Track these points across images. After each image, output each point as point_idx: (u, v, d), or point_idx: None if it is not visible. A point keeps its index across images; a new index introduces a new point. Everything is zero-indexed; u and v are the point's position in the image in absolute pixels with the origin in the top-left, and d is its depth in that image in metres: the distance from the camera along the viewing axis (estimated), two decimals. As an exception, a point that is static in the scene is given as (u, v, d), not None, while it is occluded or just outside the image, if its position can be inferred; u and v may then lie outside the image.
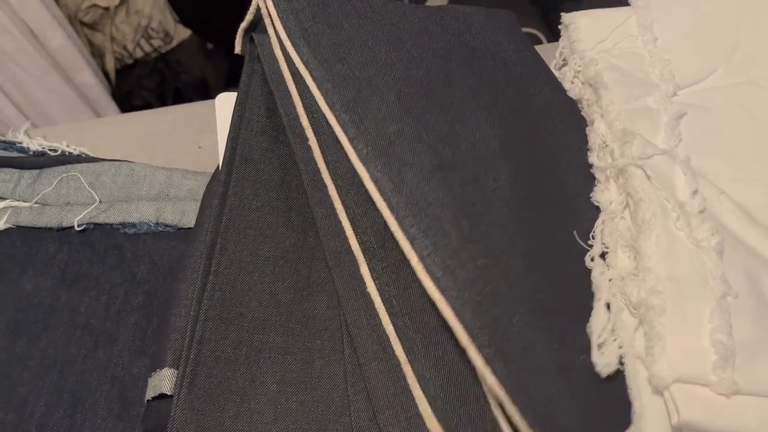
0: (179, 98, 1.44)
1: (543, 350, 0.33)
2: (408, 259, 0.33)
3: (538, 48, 0.50)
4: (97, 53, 1.40)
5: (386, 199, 0.35)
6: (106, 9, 1.36)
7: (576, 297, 0.37)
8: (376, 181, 0.36)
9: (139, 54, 1.44)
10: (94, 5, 1.34)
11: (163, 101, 1.43)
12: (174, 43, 1.46)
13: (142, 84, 1.46)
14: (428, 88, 0.42)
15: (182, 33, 1.45)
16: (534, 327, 0.34)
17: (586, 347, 0.35)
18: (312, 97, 0.41)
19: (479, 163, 0.38)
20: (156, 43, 1.44)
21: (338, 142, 0.39)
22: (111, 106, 1.30)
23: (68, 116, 1.17)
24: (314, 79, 0.41)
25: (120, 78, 1.44)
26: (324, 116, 0.40)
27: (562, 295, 0.37)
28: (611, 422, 0.34)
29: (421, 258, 0.33)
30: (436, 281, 0.32)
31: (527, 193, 0.40)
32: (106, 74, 1.40)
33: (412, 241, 0.33)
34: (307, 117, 0.43)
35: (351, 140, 0.38)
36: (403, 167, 0.36)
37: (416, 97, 0.40)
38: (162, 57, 1.46)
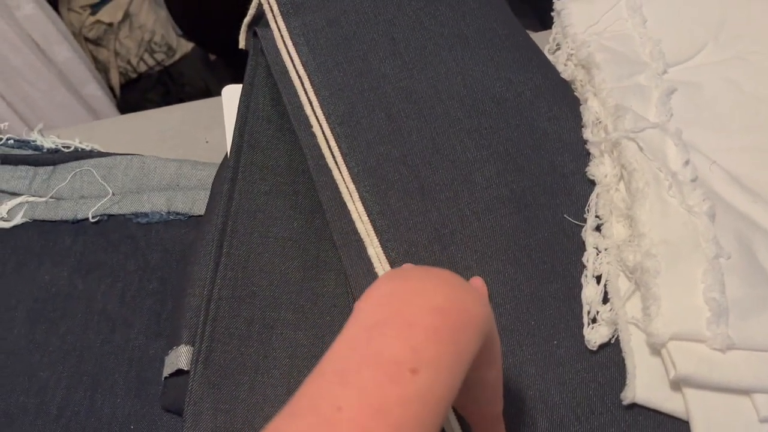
0: (183, 110, 1.46)
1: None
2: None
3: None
4: (101, 68, 1.43)
5: (372, 220, 0.41)
6: (110, 24, 1.39)
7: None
8: (363, 201, 0.41)
9: (142, 68, 1.46)
10: (98, 21, 1.37)
11: (167, 113, 1.45)
12: (177, 56, 1.48)
13: (147, 97, 1.48)
14: (416, 98, 0.45)
15: (185, 46, 1.48)
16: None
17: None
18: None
19: (458, 180, 0.42)
20: (159, 56, 1.46)
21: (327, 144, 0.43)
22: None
23: (76, 129, 1.19)
24: (312, 84, 0.45)
25: (125, 92, 1.47)
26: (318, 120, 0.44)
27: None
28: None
29: None
30: None
31: (515, 186, 0.42)
32: (111, 89, 1.43)
33: (392, 264, 0.39)
34: (310, 106, 0.45)
35: (344, 156, 0.43)
36: (388, 190, 0.41)
37: (404, 114, 0.44)
38: (165, 70, 1.48)
